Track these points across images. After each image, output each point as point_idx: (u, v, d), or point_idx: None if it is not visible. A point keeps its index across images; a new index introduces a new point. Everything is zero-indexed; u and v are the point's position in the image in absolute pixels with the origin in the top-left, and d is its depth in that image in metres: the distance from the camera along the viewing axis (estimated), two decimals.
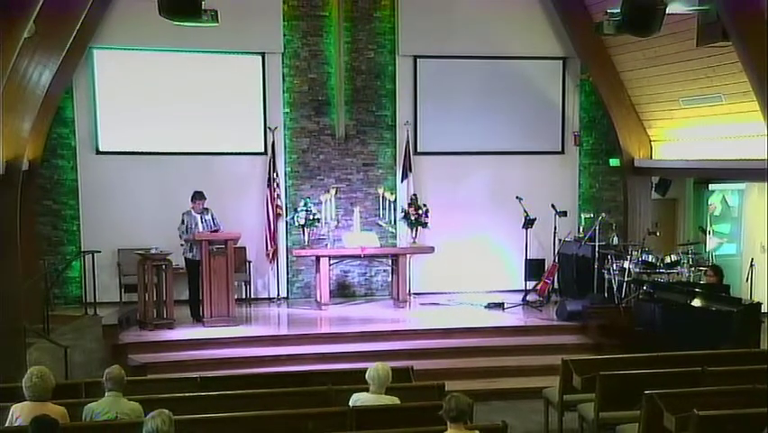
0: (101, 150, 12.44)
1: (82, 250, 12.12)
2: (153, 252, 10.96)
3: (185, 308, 11.55)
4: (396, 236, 13.04)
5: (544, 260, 12.97)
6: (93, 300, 11.67)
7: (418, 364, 8.15)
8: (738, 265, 12.78)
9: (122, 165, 12.47)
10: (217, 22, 7.97)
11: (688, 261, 11.04)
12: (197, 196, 11.14)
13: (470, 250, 13.33)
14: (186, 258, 11.13)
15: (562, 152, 13.70)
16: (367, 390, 6.11)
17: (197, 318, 11.12)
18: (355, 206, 12.91)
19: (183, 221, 11.01)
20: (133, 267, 11.37)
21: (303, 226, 12.12)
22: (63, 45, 10.02)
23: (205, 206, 11.19)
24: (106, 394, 5.83)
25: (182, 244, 11.15)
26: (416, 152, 13.23)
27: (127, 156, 12.49)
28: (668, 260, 11.00)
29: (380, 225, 12.85)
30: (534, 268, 12.75)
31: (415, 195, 12.80)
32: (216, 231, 11.05)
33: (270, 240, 12.72)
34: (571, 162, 13.74)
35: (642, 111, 12.84)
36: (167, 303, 10.92)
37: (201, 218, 11.07)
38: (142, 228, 12.31)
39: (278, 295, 12.94)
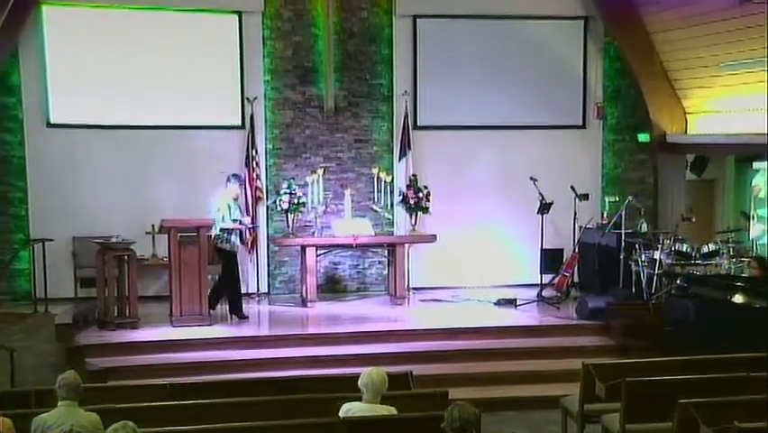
0: (52, 122, 12.38)
1: (31, 238, 12.05)
2: (114, 240, 10.93)
3: (151, 306, 11.56)
4: (393, 223, 13.05)
5: (561, 250, 12.97)
6: (44, 296, 11.62)
7: (418, 369, 8.13)
8: None
9: (77, 140, 12.42)
10: None
11: (728, 251, 11.05)
12: (238, 179, 11.41)
13: (478, 239, 13.34)
14: (220, 248, 11.22)
15: (583, 126, 13.71)
16: (360, 398, 6.10)
17: (240, 316, 11.28)
18: (346, 188, 12.88)
19: (218, 209, 11.12)
20: (91, 258, 11.35)
21: (286, 212, 12.10)
22: (5, 0, 9.92)
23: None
24: (59, 404, 5.80)
25: (217, 235, 11.14)
26: (415, 127, 13.23)
27: (83, 130, 12.42)
28: (705, 249, 11.02)
29: (375, 211, 12.85)
30: (550, 259, 12.74)
31: (414, 175, 12.80)
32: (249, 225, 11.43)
33: (251, 228, 12.68)
34: (593, 138, 13.75)
35: (675, 79, 12.82)
36: (130, 299, 10.90)
37: (236, 205, 11.35)
38: (102, 213, 12.29)
39: (258, 290, 12.93)
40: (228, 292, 11.45)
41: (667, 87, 12.89)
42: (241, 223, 11.31)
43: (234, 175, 11.47)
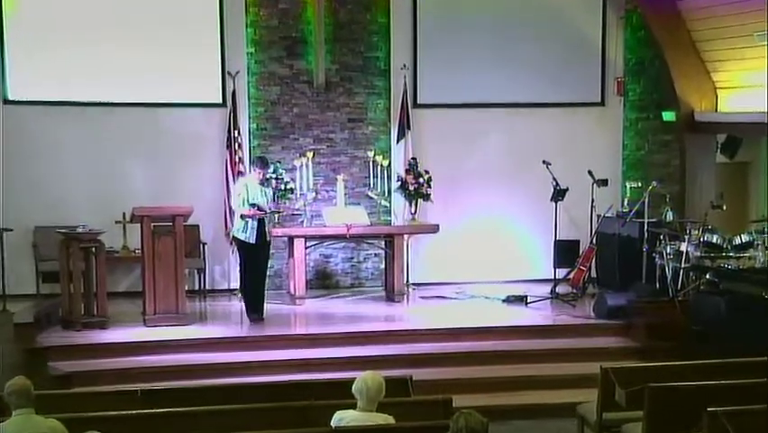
0: (11, 98, 12.37)
1: None
2: (80, 230, 10.90)
3: (121, 303, 11.54)
4: (390, 212, 13.06)
5: (578, 241, 13.00)
6: (2, 293, 11.59)
7: (418, 374, 8.11)
8: None
9: (39, 118, 12.39)
10: None
11: (763, 241, 11.02)
12: (259, 163, 11.24)
13: (484, 229, 13.35)
14: (237, 239, 11.14)
15: (602, 103, 13.73)
16: (354, 406, 6.08)
17: (259, 316, 11.18)
18: (339, 173, 12.88)
19: (239, 193, 11.03)
20: (54, 250, 11.31)
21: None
22: None
23: (266, 175, 11.38)
24: (14, 413, 5.76)
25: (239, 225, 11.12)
26: (415, 105, 13.23)
27: (46, 107, 12.41)
28: (737, 241, 10.98)
29: (371, 198, 12.86)
30: (565, 252, 12.77)
31: (414, 159, 12.80)
32: (275, 212, 11.28)
33: (231, 216, 12.64)
34: (613, 117, 13.75)
35: (705, 50, 12.77)
36: (98, 296, 10.89)
37: (262, 191, 11.13)
38: (66, 200, 12.27)
39: (241, 286, 12.88)
40: (245, 290, 11.43)
41: (695, 60, 12.83)
42: (259, 209, 10.98)
43: (259, 158, 11.40)
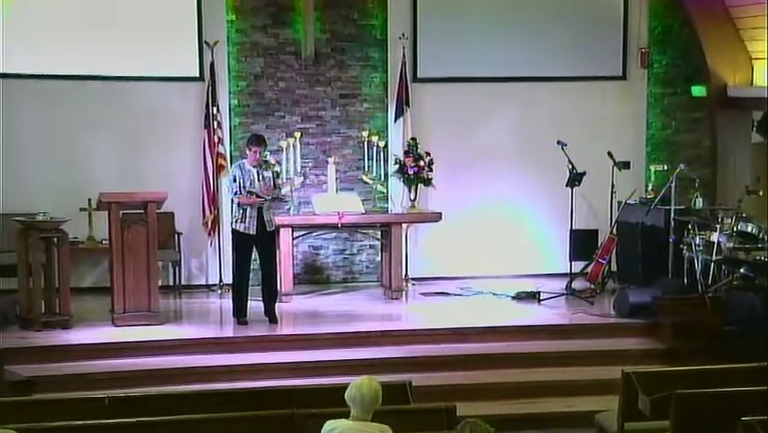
0: None
1: None
2: (41, 218, 10.87)
3: (87, 300, 11.53)
4: (387, 198, 13.08)
5: (596, 231, 13.05)
6: None
7: (419, 379, 8.17)
8: None
9: None
10: None
11: None
12: (255, 141, 11.02)
13: (492, 217, 13.36)
14: (235, 231, 11.06)
15: (624, 77, 13.71)
16: (347, 415, 6.08)
17: (241, 320, 11.06)
18: (330, 155, 12.89)
19: (234, 177, 10.93)
20: (11, 241, 11.31)
21: None
22: None
23: (267, 158, 11.27)
24: None
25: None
26: (415, 79, 13.23)
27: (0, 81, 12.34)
28: None
29: (365, 183, 12.86)
30: (582, 243, 12.79)
31: (413, 139, 12.78)
32: (277, 198, 11.13)
33: (209, 203, 12.69)
34: (635, 92, 13.74)
35: (739, 16, 12.76)
36: (60, 292, 10.88)
37: (259, 174, 10.94)
38: (25, 185, 12.24)
39: (221, 281, 12.90)
40: (233, 287, 11.33)
41: (728, 28, 12.84)
42: (258, 196, 10.83)
43: (254, 136, 11.19)
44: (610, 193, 12.59)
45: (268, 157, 11.68)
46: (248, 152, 11.05)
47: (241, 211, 10.91)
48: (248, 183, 10.85)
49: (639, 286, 11.79)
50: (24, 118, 12.41)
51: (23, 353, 10.06)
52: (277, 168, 12.00)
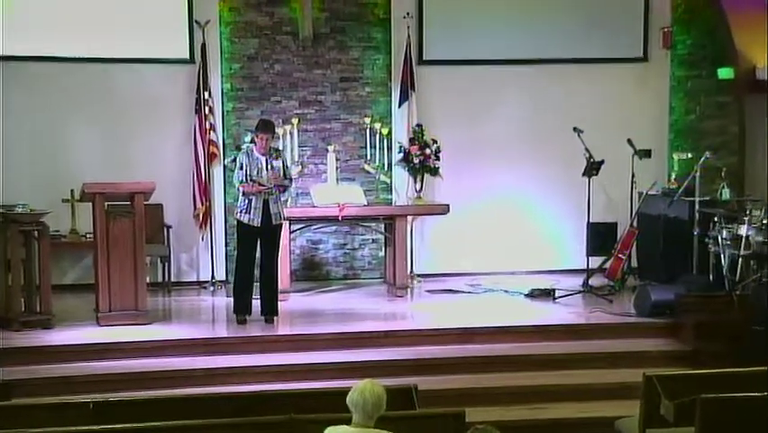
0: None
1: None
2: (20, 210, 10.84)
3: (69, 298, 11.54)
4: (391, 189, 13.11)
5: (615, 224, 13.03)
6: None
7: (425, 383, 8.12)
8: None
9: None
10: None
11: None
12: (263, 127, 10.91)
13: (504, 209, 13.41)
14: (239, 222, 11.00)
15: (645, 58, 13.76)
16: (348, 421, 6.06)
17: (240, 318, 11.02)
18: (329, 143, 12.90)
19: (241, 164, 10.83)
20: None
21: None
22: None
23: (275, 145, 11.15)
24: None
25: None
26: (420, 62, 13.29)
27: None
28: None
29: (368, 172, 12.90)
30: (600, 237, 12.79)
31: (419, 125, 12.81)
32: (283, 187, 10.97)
33: (200, 195, 12.74)
34: (657, 75, 13.77)
35: None
36: (41, 290, 10.86)
37: (267, 162, 10.87)
38: (2, 175, 12.16)
39: (213, 278, 13.00)
40: (235, 281, 11.28)
41: (759, 4, 12.79)
42: (260, 185, 10.73)
43: (262, 122, 11.11)
44: (630, 183, 12.60)
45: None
46: (256, 138, 10.95)
47: (246, 201, 10.87)
48: (255, 172, 10.78)
49: (661, 283, 11.76)
50: (0, 103, 12.39)
51: (1, 354, 9.95)
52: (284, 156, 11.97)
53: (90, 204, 10.95)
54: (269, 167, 10.80)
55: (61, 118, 12.51)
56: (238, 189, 10.93)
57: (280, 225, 11.06)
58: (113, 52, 12.64)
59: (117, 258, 10.81)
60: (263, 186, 10.74)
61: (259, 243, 11.02)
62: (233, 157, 11.86)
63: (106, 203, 10.81)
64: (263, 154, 10.84)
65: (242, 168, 10.83)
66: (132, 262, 10.86)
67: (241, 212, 10.90)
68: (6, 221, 10.78)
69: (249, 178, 10.77)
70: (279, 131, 12.23)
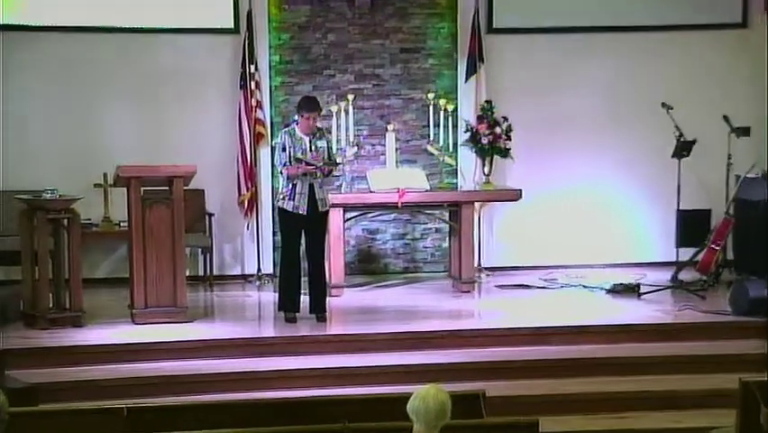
0: None
1: None
2: (48, 196, 10.90)
3: (102, 293, 11.68)
4: (457, 173, 13.14)
5: (708, 212, 13.02)
6: None
7: (494, 388, 8.14)
8: None
9: None
10: None
11: None
12: (306, 105, 10.92)
13: (582, 195, 13.39)
14: (282, 209, 11.04)
15: (744, 25, 13.65)
16: (409, 430, 6.05)
17: (289, 316, 11.06)
18: (388, 121, 12.94)
19: (284, 146, 10.85)
20: (14, 223, 11.41)
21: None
22: None
23: (319, 125, 11.11)
24: None
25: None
26: (490, 30, 13.29)
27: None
28: None
29: (431, 154, 12.89)
30: (691, 226, 12.76)
31: (488, 102, 12.79)
32: (329, 170, 10.98)
33: (246, 179, 12.82)
34: (757, 43, 13.55)
35: None
36: (71, 284, 10.95)
37: (311, 144, 10.91)
38: (29, 158, 12.40)
39: (259, 271, 13.06)
40: (281, 276, 11.34)
41: None
42: (307, 164, 10.71)
43: (305, 99, 11.16)
44: (726, 165, 12.59)
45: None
46: (298, 118, 10.96)
47: (289, 186, 10.86)
48: (299, 154, 10.78)
49: (760, 277, 11.62)
50: (28, 79, 12.54)
51: (27, 355, 10.12)
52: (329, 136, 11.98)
53: (125, 189, 10.98)
54: (312, 148, 10.82)
55: (92, 95, 12.62)
56: (281, 173, 10.95)
57: (327, 212, 11.09)
58: (148, 22, 12.72)
59: (154, 249, 10.87)
60: (311, 164, 10.71)
61: (303, 233, 11.03)
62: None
63: (142, 188, 10.91)
64: (307, 134, 10.85)
65: (284, 150, 10.82)
66: (171, 254, 10.91)
67: (284, 198, 10.89)
68: (33, 208, 10.89)
69: (293, 160, 10.78)
70: (333, 108, 12.32)
